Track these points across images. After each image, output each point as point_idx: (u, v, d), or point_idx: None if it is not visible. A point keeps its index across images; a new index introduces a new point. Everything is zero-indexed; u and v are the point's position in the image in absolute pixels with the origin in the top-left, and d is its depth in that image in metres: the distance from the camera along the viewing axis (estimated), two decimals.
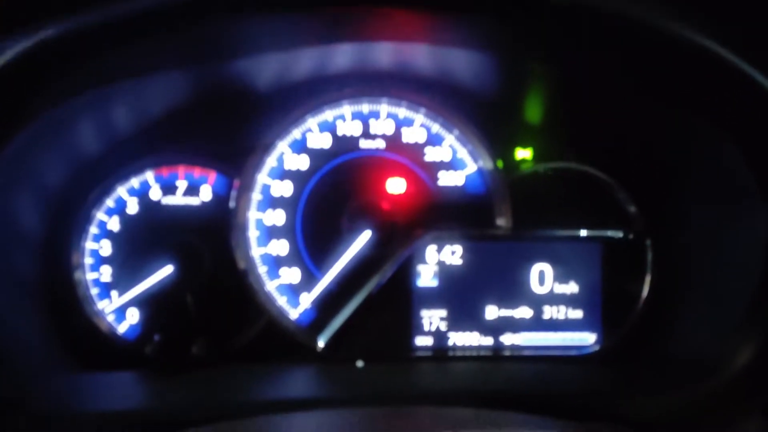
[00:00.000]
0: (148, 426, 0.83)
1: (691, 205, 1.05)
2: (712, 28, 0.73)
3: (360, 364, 1.06)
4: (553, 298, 1.11)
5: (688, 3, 0.73)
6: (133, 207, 1.08)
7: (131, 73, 0.86)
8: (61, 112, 0.87)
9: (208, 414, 0.82)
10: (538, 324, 1.11)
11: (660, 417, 0.89)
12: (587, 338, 1.12)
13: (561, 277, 1.11)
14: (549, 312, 1.12)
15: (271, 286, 1.09)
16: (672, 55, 0.76)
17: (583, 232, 1.11)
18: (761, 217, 0.88)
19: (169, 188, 1.08)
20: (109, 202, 1.07)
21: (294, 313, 1.10)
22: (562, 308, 1.12)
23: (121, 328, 1.07)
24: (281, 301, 1.10)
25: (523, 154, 1.14)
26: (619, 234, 1.11)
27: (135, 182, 1.07)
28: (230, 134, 1.08)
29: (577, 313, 1.12)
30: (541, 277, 1.11)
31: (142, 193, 1.08)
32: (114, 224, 1.07)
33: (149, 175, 1.08)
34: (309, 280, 1.10)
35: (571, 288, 1.11)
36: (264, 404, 0.88)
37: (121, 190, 1.07)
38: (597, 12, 0.72)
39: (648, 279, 1.11)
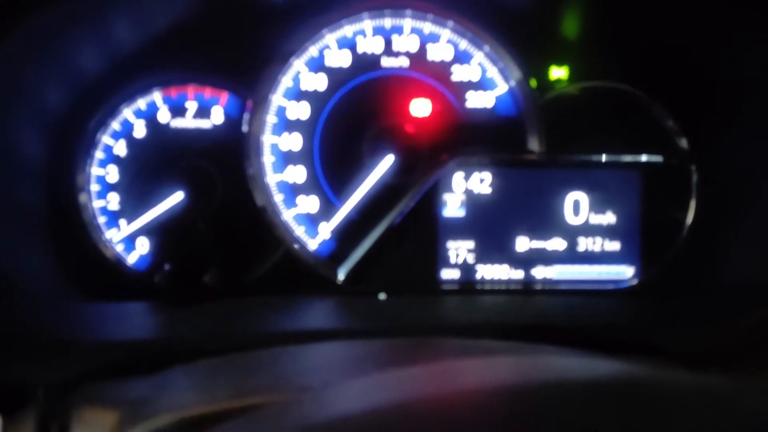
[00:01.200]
0: (158, 355, 0.79)
1: (741, 125, 0.99)
2: None
3: (383, 296, 1.02)
4: (589, 229, 1.06)
5: None
6: (140, 130, 1.04)
7: None
8: (53, 20, 0.82)
9: (221, 344, 0.79)
10: (572, 256, 1.07)
11: (706, 349, 0.85)
12: (625, 271, 1.07)
13: (597, 207, 1.06)
14: (584, 244, 1.07)
15: (288, 215, 1.06)
16: None
17: (623, 157, 1.05)
18: None
19: (178, 110, 1.05)
20: (115, 125, 1.03)
21: (312, 244, 1.06)
22: (598, 239, 1.07)
23: (131, 259, 1.04)
24: (299, 231, 1.06)
25: (558, 72, 1.10)
26: (662, 159, 1.05)
27: (142, 103, 1.03)
28: (243, 52, 1.03)
29: (614, 245, 1.07)
30: (576, 206, 1.06)
31: (149, 116, 1.04)
32: (120, 148, 1.04)
33: (157, 96, 1.04)
34: (328, 208, 1.06)
35: (608, 218, 1.06)
36: (280, 335, 0.84)
37: (127, 112, 1.03)
38: None
39: (693, 206, 1.05)
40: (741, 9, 0.84)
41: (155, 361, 0.76)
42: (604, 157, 1.05)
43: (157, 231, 1.05)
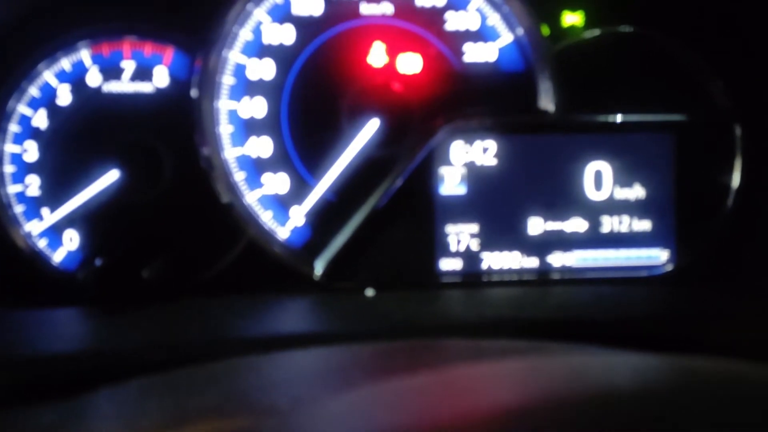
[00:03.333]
0: (90, 371, 0.68)
1: None
2: None
3: (370, 293, 0.94)
4: (614, 206, 0.98)
5: None
6: (65, 97, 0.94)
7: None
8: None
9: (162, 357, 0.69)
10: (595, 239, 0.99)
11: (757, 341, 0.75)
12: (658, 255, 1.00)
13: (623, 178, 0.98)
14: (609, 224, 0.99)
15: (251, 197, 0.97)
16: None
17: (652, 117, 0.97)
18: None
19: (112, 71, 0.95)
20: (33, 91, 0.93)
21: (282, 232, 0.97)
22: (626, 218, 0.99)
23: (56, 256, 0.94)
24: (265, 216, 0.97)
25: (571, 18, 1.00)
26: (699, 118, 0.97)
27: (66, 63, 0.94)
28: None
29: (644, 225, 0.99)
30: (598, 178, 0.97)
31: (76, 78, 0.94)
32: (41, 120, 0.94)
33: (84, 54, 0.94)
34: (300, 188, 0.97)
35: (637, 192, 0.98)
36: (241, 343, 0.74)
37: (48, 75, 0.93)
38: None
39: (737, 179, 0.96)
40: None
41: (79, 380, 0.63)
42: (629, 118, 0.97)
43: (88, 220, 0.94)
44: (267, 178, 0.97)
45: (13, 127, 0.92)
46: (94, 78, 0.94)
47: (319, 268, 0.96)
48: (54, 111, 0.94)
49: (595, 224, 0.99)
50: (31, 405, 0.65)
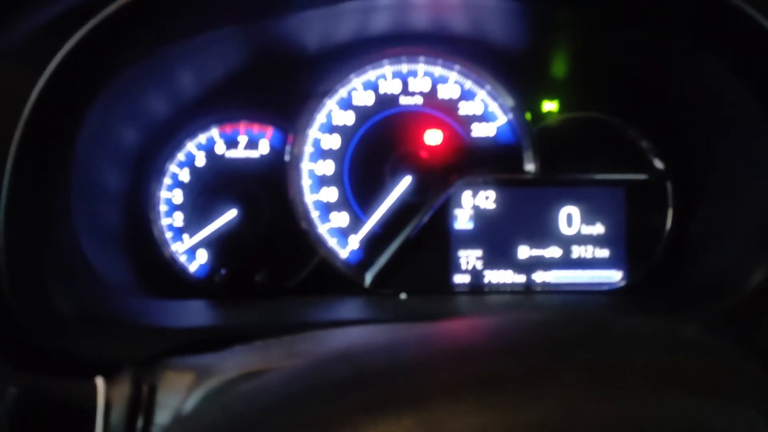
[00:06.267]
0: (218, 340, 0.90)
1: (706, 146, 1.12)
2: None
3: (403, 296, 1.14)
4: (581, 239, 1.17)
5: None
6: (201, 160, 1.17)
7: (193, 31, 0.95)
8: (131, 78, 0.95)
9: (268, 332, 0.89)
10: (567, 262, 1.17)
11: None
12: (614, 276, 1.18)
13: (587, 219, 1.17)
14: (577, 251, 1.17)
15: (322, 229, 1.17)
16: (686, 5, 0.86)
17: (608, 176, 1.16)
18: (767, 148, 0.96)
19: (232, 143, 1.17)
20: (180, 156, 1.16)
21: (344, 253, 1.18)
22: (590, 247, 1.17)
23: (192, 267, 1.17)
24: (332, 242, 1.18)
25: (549, 106, 1.19)
26: (641, 177, 1.17)
27: (202, 138, 1.16)
28: (285, 94, 1.17)
29: (603, 252, 1.18)
30: (569, 218, 1.16)
31: (208, 148, 1.16)
32: (185, 175, 1.16)
33: (214, 132, 1.17)
34: (356, 223, 1.18)
35: (597, 229, 1.17)
36: (318, 324, 0.95)
37: (191, 146, 1.16)
38: None
39: (670, 216, 1.17)
40: (697, 50, 0.98)
41: (216, 344, 0.88)
42: (591, 176, 1.17)
43: (214, 243, 1.16)
44: (333, 215, 1.17)
45: (167, 180, 1.15)
46: (220, 147, 1.17)
47: (368, 279, 1.15)
48: (193, 170, 1.16)
49: (567, 251, 1.17)
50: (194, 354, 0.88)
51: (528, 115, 1.18)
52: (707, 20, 0.88)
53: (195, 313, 1.05)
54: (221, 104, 1.17)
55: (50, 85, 0.81)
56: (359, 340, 0.58)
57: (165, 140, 1.16)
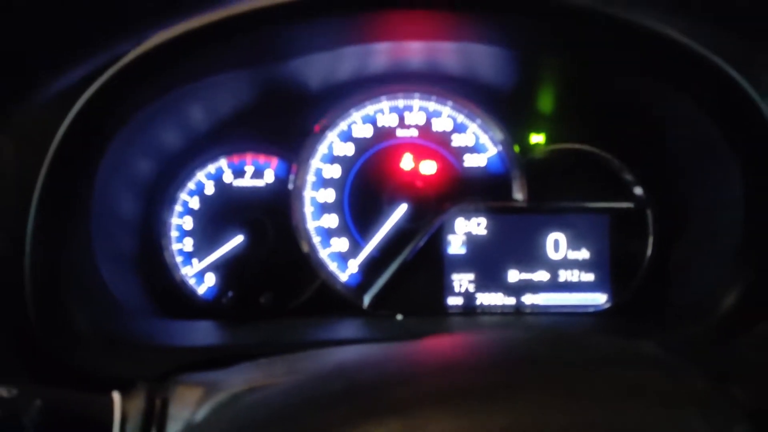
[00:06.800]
0: (226, 357, 0.95)
1: (682, 178, 1.18)
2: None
3: (400, 317, 1.19)
4: (567, 263, 1.22)
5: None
6: (210, 189, 1.22)
7: (205, 74, 1.03)
8: (146, 116, 1.02)
9: (273, 350, 0.92)
10: (554, 286, 1.22)
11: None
12: (599, 298, 1.23)
13: (573, 245, 1.22)
14: (564, 275, 1.22)
15: (324, 253, 1.23)
16: (660, 55, 0.94)
17: (592, 205, 1.22)
18: (736, 181, 1.03)
19: (239, 172, 1.22)
20: (191, 185, 1.22)
21: (343, 276, 1.23)
22: (576, 272, 1.23)
23: (201, 290, 1.22)
24: (332, 266, 1.23)
25: (536, 138, 1.25)
26: (624, 205, 1.23)
27: (211, 168, 1.22)
28: (289, 127, 1.23)
29: (589, 276, 1.23)
30: (556, 244, 1.22)
31: (217, 177, 1.22)
32: (195, 203, 1.22)
33: (223, 162, 1.22)
34: (355, 248, 1.23)
35: (583, 254, 1.22)
36: (319, 343, 1.00)
37: (200, 175, 1.22)
38: (600, 17, 0.89)
39: (650, 242, 1.22)
40: (669, 91, 1.05)
41: (223, 361, 0.91)
42: (576, 204, 1.22)
43: (221, 267, 1.21)
44: (334, 240, 1.22)
45: (178, 208, 1.20)
46: (228, 177, 1.22)
47: (366, 301, 1.19)
48: (203, 198, 1.21)
49: (554, 275, 1.21)
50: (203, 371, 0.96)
51: (516, 147, 1.24)
52: (676, 68, 0.96)
53: (204, 333, 1.11)
54: (230, 137, 1.23)
55: (74, 125, 0.89)
56: (350, 357, 0.65)
57: (177, 170, 1.22)
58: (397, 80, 1.23)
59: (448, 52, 1.15)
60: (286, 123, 1.24)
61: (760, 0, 0.83)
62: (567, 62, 1.11)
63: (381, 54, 1.14)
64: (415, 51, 1.14)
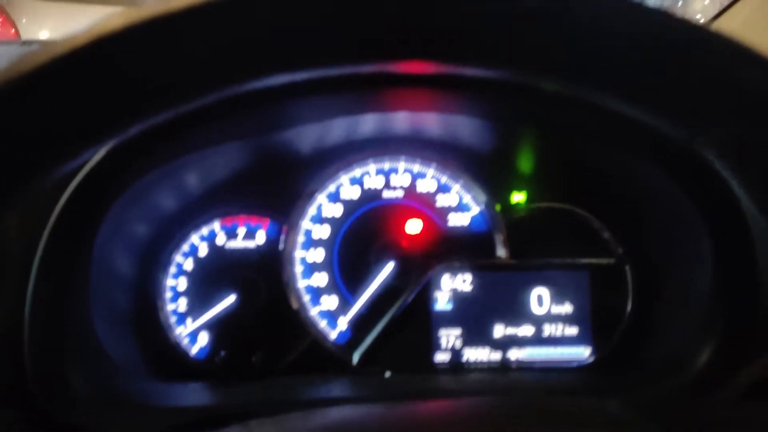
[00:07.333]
0: (218, 417, 0.98)
1: (657, 237, 1.23)
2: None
3: (388, 374, 1.21)
4: (551, 318, 1.24)
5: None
6: (203, 250, 1.25)
7: (205, 146, 1.08)
8: (143, 184, 1.06)
9: (264, 410, 0.89)
10: (539, 340, 1.24)
11: (641, 408, 1.04)
12: (583, 351, 1.25)
13: (556, 299, 1.24)
14: (548, 329, 1.24)
15: (313, 311, 1.24)
16: (632, 134, 1.00)
17: (573, 261, 1.26)
18: (705, 243, 1.08)
19: (231, 234, 1.25)
20: (185, 247, 1.25)
21: (333, 334, 1.24)
22: (560, 326, 1.25)
23: (194, 350, 1.24)
24: (322, 324, 1.24)
25: (518, 197, 1.29)
26: (603, 261, 1.27)
27: (205, 230, 1.26)
28: (279, 190, 1.28)
29: (572, 330, 1.25)
30: (540, 299, 1.23)
31: (210, 239, 1.24)
32: (188, 264, 1.24)
33: (216, 225, 1.26)
34: (345, 305, 1.24)
35: (566, 308, 1.24)
36: (309, 402, 1.04)
37: (194, 238, 1.26)
38: (581, 102, 0.95)
39: (630, 298, 1.26)
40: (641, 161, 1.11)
41: (215, 422, 0.89)
42: (557, 261, 1.24)
43: (214, 326, 1.22)
44: (323, 298, 1.24)
45: (172, 269, 1.22)
46: (221, 239, 1.24)
47: (356, 358, 1.20)
48: (196, 259, 1.23)
49: (539, 329, 1.23)
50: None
51: (498, 206, 1.27)
52: (648, 146, 1.02)
53: (196, 393, 1.12)
54: (223, 200, 1.26)
55: (74, 196, 0.94)
56: (337, 419, 0.69)
57: (172, 233, 1.25)
58: (384, 144, 1.29)
59: (432, 120, 1.21)
60: (277, 186, 1.26)
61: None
62: (545, 133, 1.17)
63: (369, 122, 1.20)
64: (401, 119, 1.19)
